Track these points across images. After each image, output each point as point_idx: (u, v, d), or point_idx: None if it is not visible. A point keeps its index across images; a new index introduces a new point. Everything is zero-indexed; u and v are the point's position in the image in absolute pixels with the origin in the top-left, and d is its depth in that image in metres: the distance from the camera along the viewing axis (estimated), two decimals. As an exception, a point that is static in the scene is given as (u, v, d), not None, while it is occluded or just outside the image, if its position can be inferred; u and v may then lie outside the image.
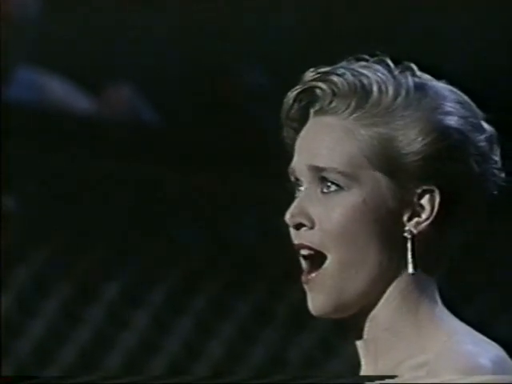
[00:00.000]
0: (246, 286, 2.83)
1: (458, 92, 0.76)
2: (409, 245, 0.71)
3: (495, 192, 0.75)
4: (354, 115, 0.72)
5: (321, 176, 0.72)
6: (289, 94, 0.75)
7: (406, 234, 0.71)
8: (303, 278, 0.73)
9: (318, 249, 0.72)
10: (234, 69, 3.05)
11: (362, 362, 0.75)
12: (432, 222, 0.72)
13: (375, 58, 0.75)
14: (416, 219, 0.72)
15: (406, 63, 0.75)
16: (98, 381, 1.15)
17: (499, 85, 2.82)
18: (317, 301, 0.72)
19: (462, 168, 0.72)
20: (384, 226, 0.71)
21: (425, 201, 0.72)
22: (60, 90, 2.87)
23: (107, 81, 2.94)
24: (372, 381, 0.71)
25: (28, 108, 2.88)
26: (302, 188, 0.74)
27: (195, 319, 2.79)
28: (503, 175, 0.74)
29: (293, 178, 0.75)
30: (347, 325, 0.74)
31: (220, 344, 2.79)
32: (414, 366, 0.69)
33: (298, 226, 0.72)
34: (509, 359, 0.70)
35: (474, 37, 3.06)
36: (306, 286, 0.73)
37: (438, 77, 0.76)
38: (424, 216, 0.72)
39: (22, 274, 2.67)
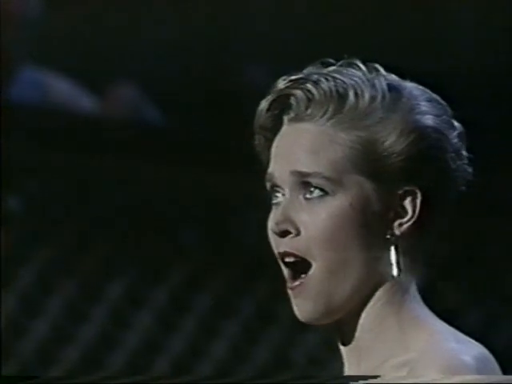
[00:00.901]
0: (249, 286, 2.82)
1: (427, 90, 0.76)
2: (392, 247, 0.71)
3: (464, 188, 0.75)
4: (332, 121, 0.72)
5: (304, 181, 0.72)
6: (262, 102, 0.75)
7: (389, 237, 0.71)
8: (288, 284, 0.72)
9: (304, 256, 0.71)
10: (238, 68, 3.05)
11: (345, 365, 0.75)
12: (414, 223, 0.72)
13: (344, 61, 0.75)
14: (399, 221, 0.72)
15: (371, 64, 0.75)
16: (99, 381, 1.15)
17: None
18: (304, 307, 0.71)
19: (440, 166, 0.73)
20: (369, 230, 0.71)
21: (407, 202, 0.72)
22: (63, 90, 2.87)
23: (110, 80, 2.95)
24: (355, 381, 0.71)
25: (31, 107, 2.89)
26: (279, 195, 0.74)
27: (199, 319, 2.79)
28: (471, 170, 0.75)
29: (269, 186, 0.75)
30: (329, 328, 0.74)
31: (224, 344, 2.79)
32: (397, 365, 0.69)
33: (284, 234, 0.72)
34: (492, 357, 0.70)
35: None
36: (290, 293, 0.72)
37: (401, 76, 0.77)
38: (407, 217, 0.72)
39: (26, 273, 2.67)
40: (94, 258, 2.76)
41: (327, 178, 0.71)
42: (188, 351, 2.77)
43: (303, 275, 0.71)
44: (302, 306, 0.71)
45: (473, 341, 0.70)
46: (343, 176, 0.71)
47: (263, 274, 2.71)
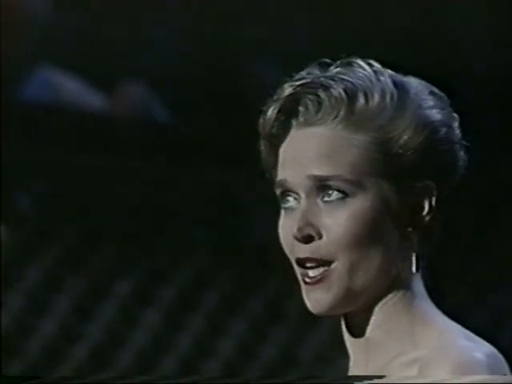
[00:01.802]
0: (257, 285, 2.82)
1: (424, 82, 0.76)
2: (412, 243, 0.72)
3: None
4: (344, 123, 0.71)
5: (322, 185, 0.71)
6: (269, 109, 0.74)
7: (409, 231, 0.72)
8: (305, 278, 0.72)
9: (326, 259, 0.71)
10: (246, 67, 3.05)
11: (351, 361, 0.74)
12: (430, 217, 0.73)
13: (344, 60, 0.74)
14: (417, 216, 0.72)
15: (370, 62, 0.74)
16: (106, 381, 1.14)
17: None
18: (322, 300, 0.71)
19: (450, 158, 0.74)
20: (389, 228, 0.72)
21: (423, 197, 0.72)
22: (73, 89, 2.88)
23: (119, 79, 2.95)
24: (361, 381, 0.70)
25: (41, 106, 2.90)
26: (291, 199, 0.73)
27: (206, 318, 2.80)
28: (466, 158, 0.76)
29: (280, 191, 0.74)
30: (339, 319, 0.74)
31: (231, 342, 2.79)
32: (406, 362, 0.69)
33: (307, 239, 0.71)
34: (501, 356, 0.69)
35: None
36: (307, 287, 0.72)
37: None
38: (424, 212, 0.72)
39: (33, 272, 2.68)
40: (102, 256, 2.76)
41: (347, 181, 0.71)
42: (196, 350, 2.78)
43: (322, 269, 0.71)
44: (320, 299, 0.71)
45: (482, 339, 0.70)
46: (362, 177, 0.71)
47: (271, 272, 2.71)
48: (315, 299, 0.71)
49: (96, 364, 2.68)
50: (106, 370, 2.65)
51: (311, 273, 0.71)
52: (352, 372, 0.75)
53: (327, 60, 0.75)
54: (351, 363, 0.75)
